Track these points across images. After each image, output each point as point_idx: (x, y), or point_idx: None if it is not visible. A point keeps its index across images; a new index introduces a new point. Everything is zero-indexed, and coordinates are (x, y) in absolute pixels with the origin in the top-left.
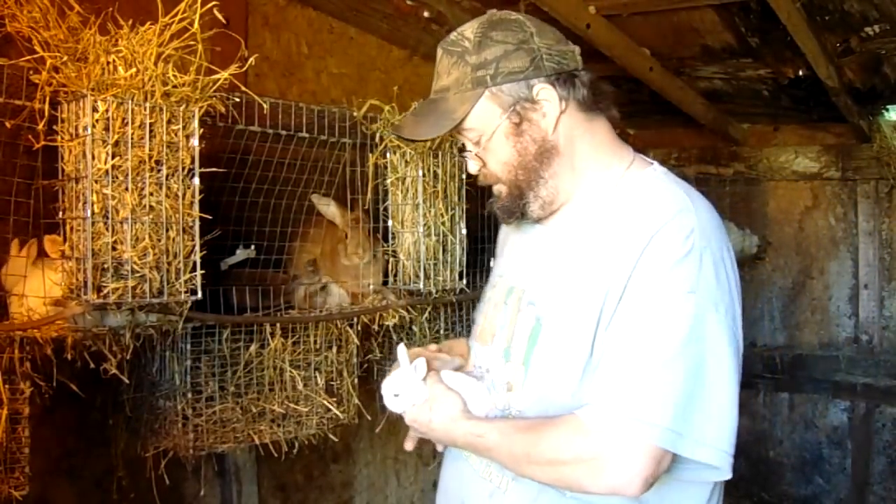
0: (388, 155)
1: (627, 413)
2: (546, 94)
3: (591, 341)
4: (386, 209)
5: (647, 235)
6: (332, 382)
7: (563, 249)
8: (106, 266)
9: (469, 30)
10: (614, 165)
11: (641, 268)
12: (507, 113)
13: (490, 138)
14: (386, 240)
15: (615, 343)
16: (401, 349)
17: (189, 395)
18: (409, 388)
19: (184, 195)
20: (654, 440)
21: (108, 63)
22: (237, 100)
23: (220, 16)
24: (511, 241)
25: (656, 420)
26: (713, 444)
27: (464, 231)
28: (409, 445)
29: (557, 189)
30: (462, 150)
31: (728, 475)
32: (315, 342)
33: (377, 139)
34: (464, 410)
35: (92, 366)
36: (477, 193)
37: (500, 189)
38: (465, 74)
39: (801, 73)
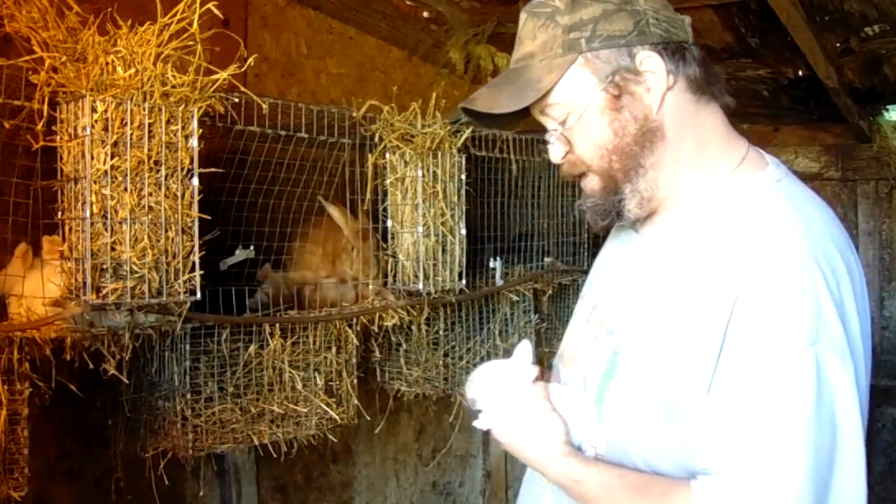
0: (387, 155)
1: (750, 499)
2: (651, 63)
3: (670, 390)
4: (385, 209)
5: (748, 269)
6: (331, 383)
7: (652, 272)
8: (105, 266)
9: None
10: (720, 164)
11: (743, 311)
12: (604, 84)
13: (581, 115)
14: (385, 240)
15: (724, 411)
16: (524, 345)
17: (188, 396)
18: (517, 395)
19: (183, 195)
20: None
21: (106, 63)
22: (236, 100)
23: (218, 13)
24: (608, 250)
25: None
26: None
27: (463, 231)
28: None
29: (657, 184)
30: (542, 139)
31: None
32: (314, 343)
33: (376, 139)
34: (566, 443)
35: (91, 366)
36: (476, 193)
37: (591, 182)
38: (554, 38)
39: (800, 73)
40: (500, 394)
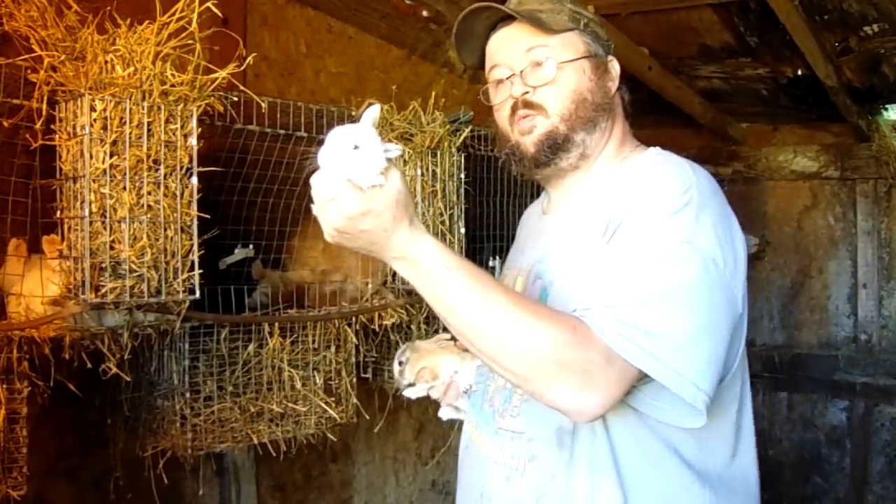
0: None
1: (627, 334)
2: (613, 67)
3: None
4: None
5: (643, 189)
6: (330, 382)
7: (566, 231)
8: (104, 265)
9: None
10: (625, 153)
11: (634, 215)
12: (589, 56)
13: (569, 62)
14: None
15: (611, 266)
16: (374, 108)
17: (187, 395)
18: (373, 153)
19: (182, 194)
20: (642, 365)
21: (105, 62)
22: (235, 99)
23: (217, 12)
24: (520, 242)
25: (652, 349)
26: (692, 378)
27: (463, 230)
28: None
29: (597, 146)
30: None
31: (700, 417)
32: (313, 342)
33: None
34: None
35: (90, 365)
36: (476, 193)
37: (537, 122)
38: (561, 9)
39: (799, 72)
40: (369, 156)
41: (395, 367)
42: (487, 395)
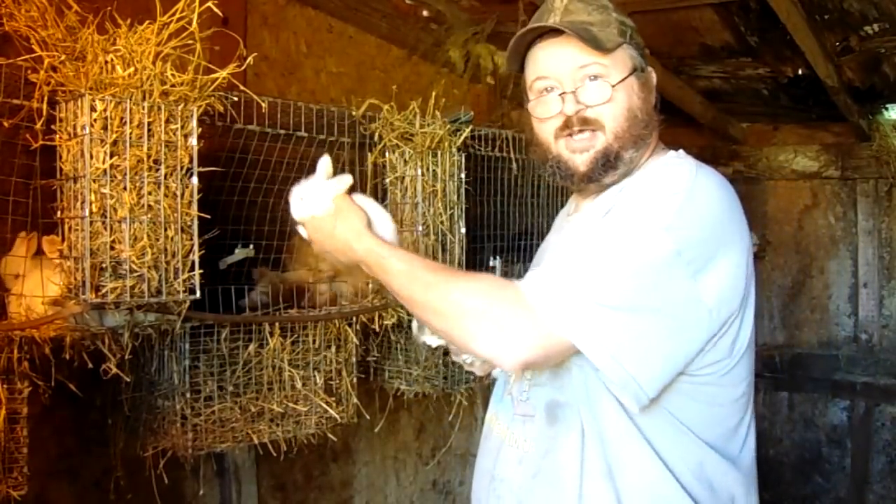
0: (386, 154)
1: (558, 294)
2: (651, 77)
3: None
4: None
5: (641, 185)
6: (331, 382)
7: (581, 227)
8: (104, 265)
9: None
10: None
11: (625, 197)
12: (636, 72)
13: (621, 81)
14: None
15: (575, 243)
16: (324, 159)
17: (188, 395)
18: (317, 194)
19: (182, 194)
20: (564, 331)
21: (106, 62)
22: (236, 99)
23: (218, 12)
24: (548, 241)
25: (578, 314)
26: (619, 359)
27: (463, 230)
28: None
29: (637, 161)
30: (547, 90)
31: (636, 404)
32: (314, 341)
33: (376, 138)
34: (368, 227)
35: (90, 365)
36: (476, 193)
37: (594, 140)
38: (609, 21)
39: (800, 72)
40: (308, 196)
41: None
42: (508, 386)
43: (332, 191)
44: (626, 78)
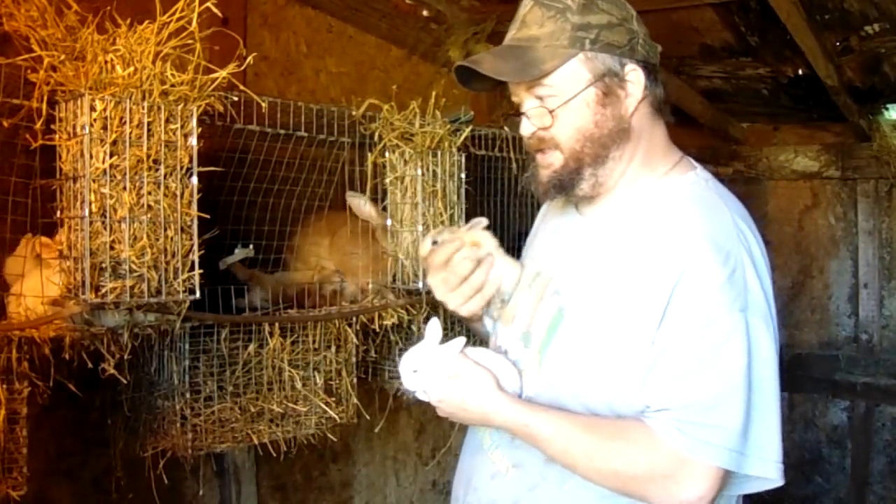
0: (386, 154)
1: (698, 435)
2: (635, 76)
3: (613, 348)
4: (385, 208)
5: (690, 251)
6: (331, 382)
7: (598, 245)
8: (104, 265)
9: None
10: (659, 166)
11: (687, 284)
12: (596, 81)
13: (568, 101)
14: None
15: (670, 360)
16: (433, 323)
17: (188, 395)
18: (431, 364)
19: (182, 194)
20: (722, 463)
21: (105, 62)
22: (235, 99)
23: (217, 12)
24: (546, 227)
25: (725, 443)
26: (772, 458)
27: None
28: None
29: (612, 173)
30: (516, 111)
31: (781, 482)
32: (314, 342)
33: (376, 138)
34: (499, 388)
35: (90, 366)
36: (476, 193)
37: (553, 159)
38: (562, 30)
39: (800, 72)
40: (421, 367)
41: (426, 245)
42: None
43: (447, 358)
44: (574, 97)
